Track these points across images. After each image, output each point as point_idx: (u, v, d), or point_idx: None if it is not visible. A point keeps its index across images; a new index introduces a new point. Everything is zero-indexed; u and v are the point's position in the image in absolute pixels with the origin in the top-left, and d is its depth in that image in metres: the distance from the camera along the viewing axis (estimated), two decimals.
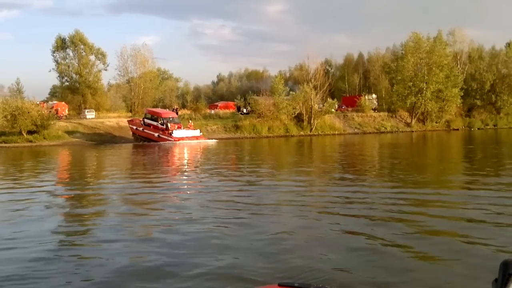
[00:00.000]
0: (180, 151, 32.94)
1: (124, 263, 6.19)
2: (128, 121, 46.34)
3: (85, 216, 9.83)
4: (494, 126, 64.86)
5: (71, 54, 66.96)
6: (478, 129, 62.03)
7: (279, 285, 1.52)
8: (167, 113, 46.56)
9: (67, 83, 68.04)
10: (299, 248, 6.76)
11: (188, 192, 13.44)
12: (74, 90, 66.48)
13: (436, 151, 30.28)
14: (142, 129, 43.33)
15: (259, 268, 5.78)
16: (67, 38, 66.29)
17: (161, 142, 40.26)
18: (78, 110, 63.11)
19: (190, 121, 46.64)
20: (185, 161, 25.62)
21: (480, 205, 9.49)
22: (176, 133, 40.80)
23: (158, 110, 50.46)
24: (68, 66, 66.93)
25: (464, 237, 7.02)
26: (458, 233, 7.37)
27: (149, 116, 44.67)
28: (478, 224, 7.93)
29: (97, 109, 63.68)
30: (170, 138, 40.26)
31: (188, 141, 40.24)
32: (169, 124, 41.78)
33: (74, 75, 67.08)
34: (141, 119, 45.39)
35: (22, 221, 9.15)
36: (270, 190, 12.77)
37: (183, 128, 42.53)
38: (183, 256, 6.39)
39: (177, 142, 39.61)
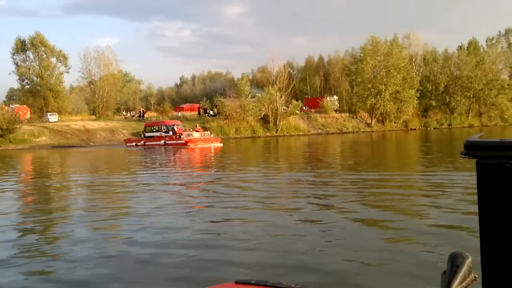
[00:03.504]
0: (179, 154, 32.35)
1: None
2: (125, 140, 45.03)
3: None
4: (449, 125, 68.28)
5: (31, 56, 65.76)
6: (434, 128, 65.18)
7: (236, 282, 1.53)
8: (170, 121, 46.42)
9: (28, 86, 66.76)
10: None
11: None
12: (35, 93, 65.21)
13: (395, 149, 32.26)
14: (144, 142, 42.33)
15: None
16: (27, 40, 65.09)
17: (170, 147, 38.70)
18: (39, 114, 61.99)
19: (197, 124, 46.39)
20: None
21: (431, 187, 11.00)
22: (186, 136, 39.80)
23: (159, 121, 48.86)
24: (29, 69, 65.63)
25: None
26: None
27: (149, 129, 44.30)
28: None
29: (59, 112, 62.60)
30: (179, 141, 39.07)
31: (200, 144, 38.24)
32: (175, 128, 41.49)
33: (35, 78, 65.78)
34: (140, 135, 44.80)
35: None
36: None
37: (192, 131, 41.67)
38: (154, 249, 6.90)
39: (188, 145, 38.00)
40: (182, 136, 39.59)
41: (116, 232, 8.34)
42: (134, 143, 42.95)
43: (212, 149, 34.41)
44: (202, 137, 40.20)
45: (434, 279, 0.95)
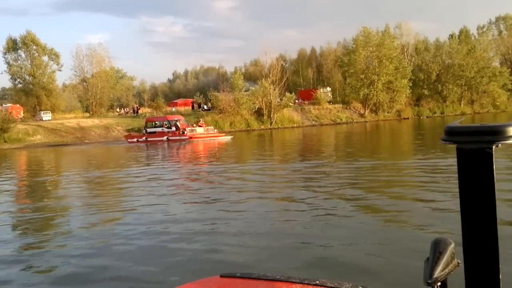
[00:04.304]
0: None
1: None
2: (125, 136, 44.36)
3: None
4: (441, 114, 68.68)
5: (23, 55, 65.57)
6: (427, 117, 65.54)
7: (221, 276, 1.52)
8: (172, 116, 45.71)
9: (20, 85, 66.49)
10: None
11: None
12: (28, 92, 64.93)
13: (388, 138, 32.62)
14: (146, 138, 41.22)
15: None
16: (18, 39, 64.82)
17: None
18: (33, 112, 61.82)
19: (201, 119, 45.94)
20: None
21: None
22: (190, 132, 39.20)
23: (161, 116, 48.50)
24: (21, 68, 65.42)
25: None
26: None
27: (150, 124, 43.54)
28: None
29: (53, 110, 62.39)
30: (183, 137, 38.44)
31: (204, 139, 37.72)
32: (178, 124, 40.68)
33: (27, 77, 65.60)
34: (142, 132, 43.97)
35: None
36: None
37: (195, 126, 41.29)
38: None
39: (192, 140, 37.61)
40: (185, 132, 38.89)
41: (113, 223, 8.53)
42: (135, 139, 41.93)
43: (216, 144, 34.08)
44: (206, 132, 39.65)
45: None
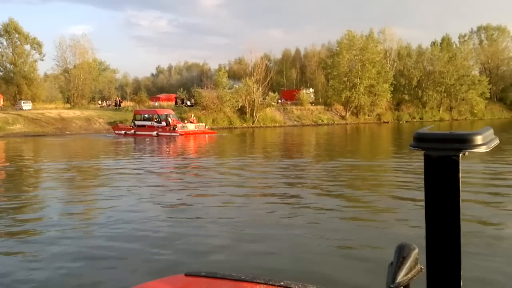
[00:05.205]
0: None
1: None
2: (113, 128, 43.39)
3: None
4: (420, 119, 69.91)
5: (4, 43, 64.68)
6: (406, 122, 66.71)
7: (185, 275, 1.52)
8: (162, 110, 44.26)
9: (1, 73, 65.59)
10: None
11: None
12: (9, 80, 64.13)
13: (367, 140, 33.31)
14: (134, 132, 40.01)
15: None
16: (1, 27, 63.85)
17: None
18: (12, 101, 61.05)
19: (192, 115, 45.15)
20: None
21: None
22: (181, 128, 38.15)
23: (151, 109, 47.12)
24: (2, 56, 64.57)
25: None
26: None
27: (139, 117, 42.31)
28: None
29: (33, 100, 61.69)
30: (174, 134, 37.31)
31: (196, 136, 37.05)
32: (169, 119, 39.31)
33: (8, 65, 64.79)
34: (130, 124, 42.65)
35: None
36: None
37: (187, 123, 40.37)
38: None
39: (182, 136, 36.75)
40: (176, 129, 37.84)
41: (88, 219, 8.68)
42: (123, 132, 40.65)
43: (206, 137, 33.87)
44: (197, 129, 38.94)
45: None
